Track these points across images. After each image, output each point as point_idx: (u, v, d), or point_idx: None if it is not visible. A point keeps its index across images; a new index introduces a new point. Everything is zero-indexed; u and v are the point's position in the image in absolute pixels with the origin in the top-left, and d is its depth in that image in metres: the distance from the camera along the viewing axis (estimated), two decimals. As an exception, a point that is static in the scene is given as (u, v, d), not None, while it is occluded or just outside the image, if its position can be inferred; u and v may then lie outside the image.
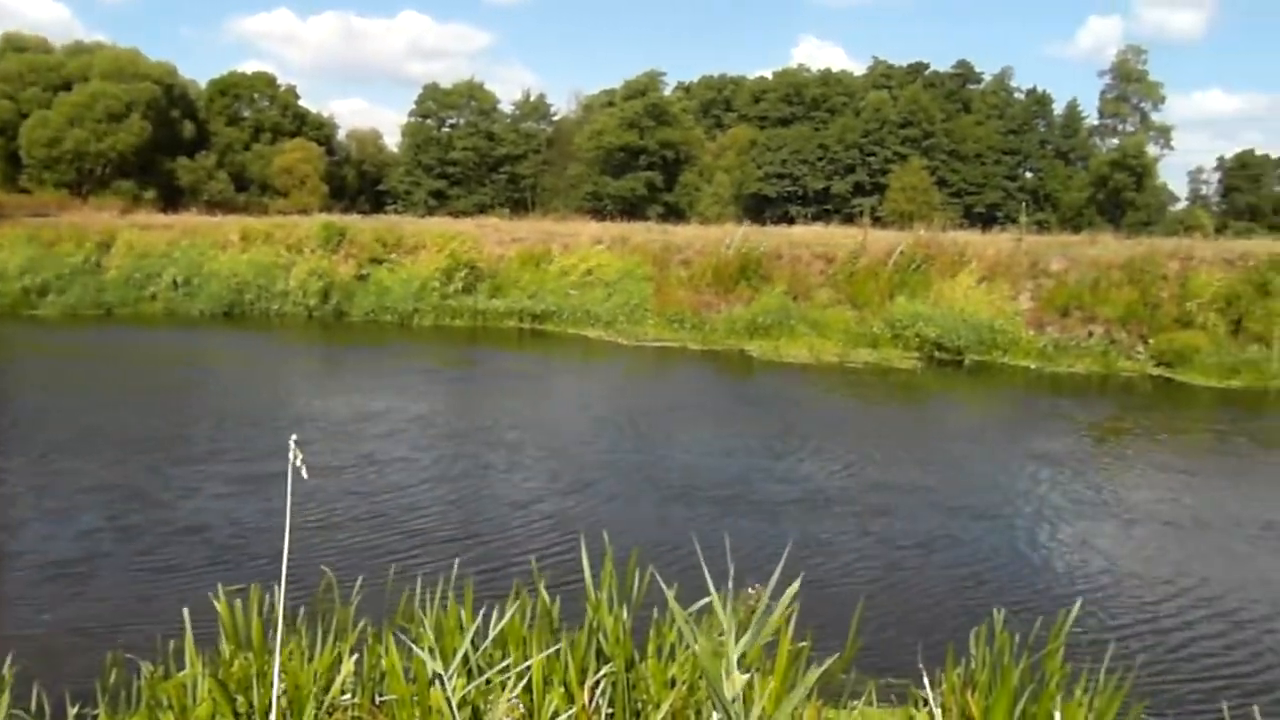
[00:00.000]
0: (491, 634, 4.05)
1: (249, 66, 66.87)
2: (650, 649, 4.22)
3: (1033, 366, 19.59)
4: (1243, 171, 65.81)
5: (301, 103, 63.42)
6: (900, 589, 7.28)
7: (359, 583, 4.78)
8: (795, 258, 25.11)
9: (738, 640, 2.67)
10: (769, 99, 70.64)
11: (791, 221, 46.60)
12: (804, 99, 69.25)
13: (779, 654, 3.61)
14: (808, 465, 11.10)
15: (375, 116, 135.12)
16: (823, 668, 4.32)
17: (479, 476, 10.16)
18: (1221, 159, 69.21)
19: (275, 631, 3.52)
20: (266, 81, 62.23)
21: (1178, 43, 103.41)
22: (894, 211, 50.24)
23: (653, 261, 25.73)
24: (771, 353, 20.17)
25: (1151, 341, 19.92)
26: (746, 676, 2.69)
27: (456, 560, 5.00)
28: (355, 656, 4.09)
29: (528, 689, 3.85)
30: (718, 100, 77.49)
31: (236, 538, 7.97)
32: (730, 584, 3.42)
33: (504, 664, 3.91)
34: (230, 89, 60.82)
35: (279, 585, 3.34)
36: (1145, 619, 6.86)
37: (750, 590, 3.85)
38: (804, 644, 4.40)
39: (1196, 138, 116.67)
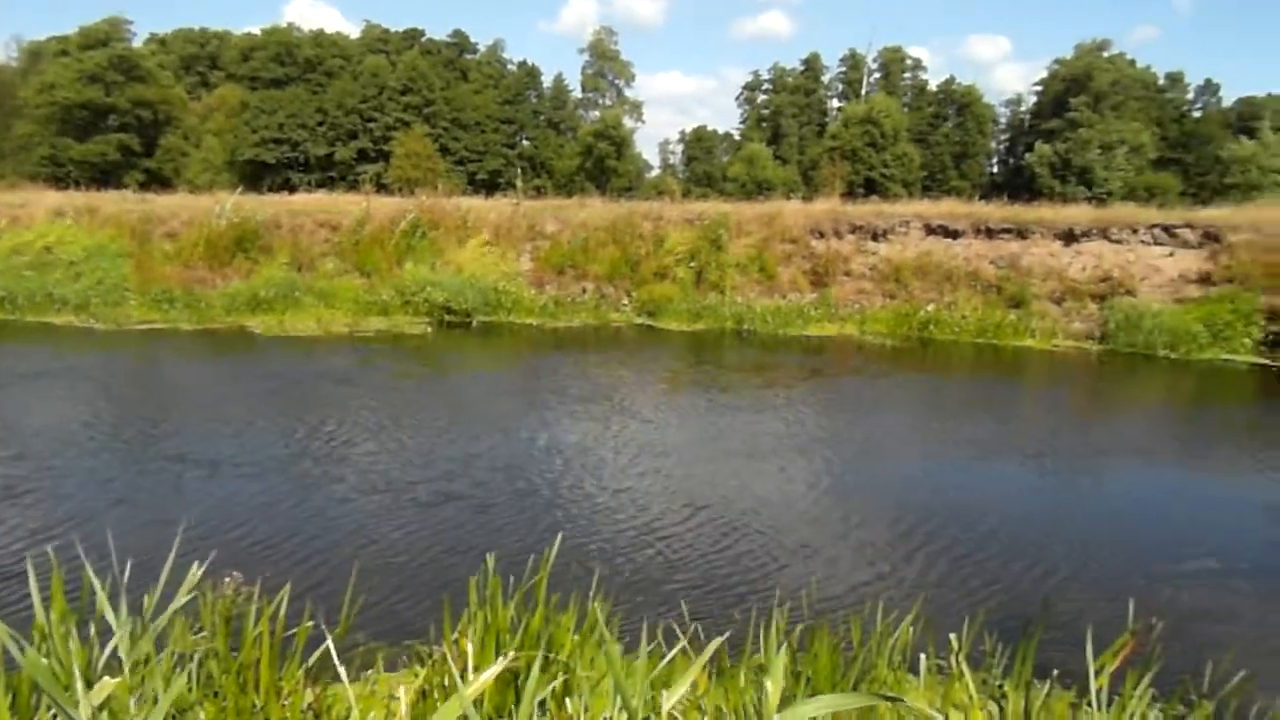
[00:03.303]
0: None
1: None
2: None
3: (536, 323, 20.92)
4: (699, 144, 76.20)
5: None
6: (403, 551, 7.32)
7: None
8: (297, 227, 23.95)
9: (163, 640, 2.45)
10: (259, 58, 66.12)
11: (294, 189, 44.41)
12: (297, 60, 65.94)
13: (263, 641, 3.42)
14: (307, 440, 10.68)
15: None
16: (322, 646, 4.23)
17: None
18: (683, 133, 79.43)
19: None
20: None
21: (643, 28, 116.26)
22: (400, 178, 50.07)
23: (130, 235, 22.86)
24: (276, 328, 19.08)
25: (635, 294, 22.31)
26: (116, 680, 2.49)
27: None
28: None
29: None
30: (200, 56, 70.83)
31: None
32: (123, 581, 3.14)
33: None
34: None
35: None
36: (625, 539, 7.71)
37: (227, 579, 3.59)
38: (306, 624, 4.24)
39: (663, 113, 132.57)
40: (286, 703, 3.66)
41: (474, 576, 4.61)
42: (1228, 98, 73.39)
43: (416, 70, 65.43)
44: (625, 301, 22.26)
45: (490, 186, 52.34)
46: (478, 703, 3.51)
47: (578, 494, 9.01)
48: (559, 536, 4.69)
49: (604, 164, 62.60)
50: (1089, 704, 4.13)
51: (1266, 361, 18.18)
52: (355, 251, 23.10)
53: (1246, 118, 67.27)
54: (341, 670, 3.55)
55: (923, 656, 4.97)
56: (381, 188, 39.59)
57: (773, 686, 1.99)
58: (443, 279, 21.27)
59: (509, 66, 73.89)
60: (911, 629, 4.97)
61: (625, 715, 2.13)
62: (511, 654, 2.86)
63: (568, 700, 3.18)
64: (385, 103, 64.27)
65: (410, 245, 23.15)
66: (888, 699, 1.97)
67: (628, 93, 76.24)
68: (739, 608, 6.17)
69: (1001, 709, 4.58)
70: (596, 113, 72.27)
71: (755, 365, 17.17)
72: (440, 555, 7.22)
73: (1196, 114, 71.84)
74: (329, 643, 3.56)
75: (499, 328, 20.54)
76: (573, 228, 24.02)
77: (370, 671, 4.94)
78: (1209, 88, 74.07)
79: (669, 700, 2.07)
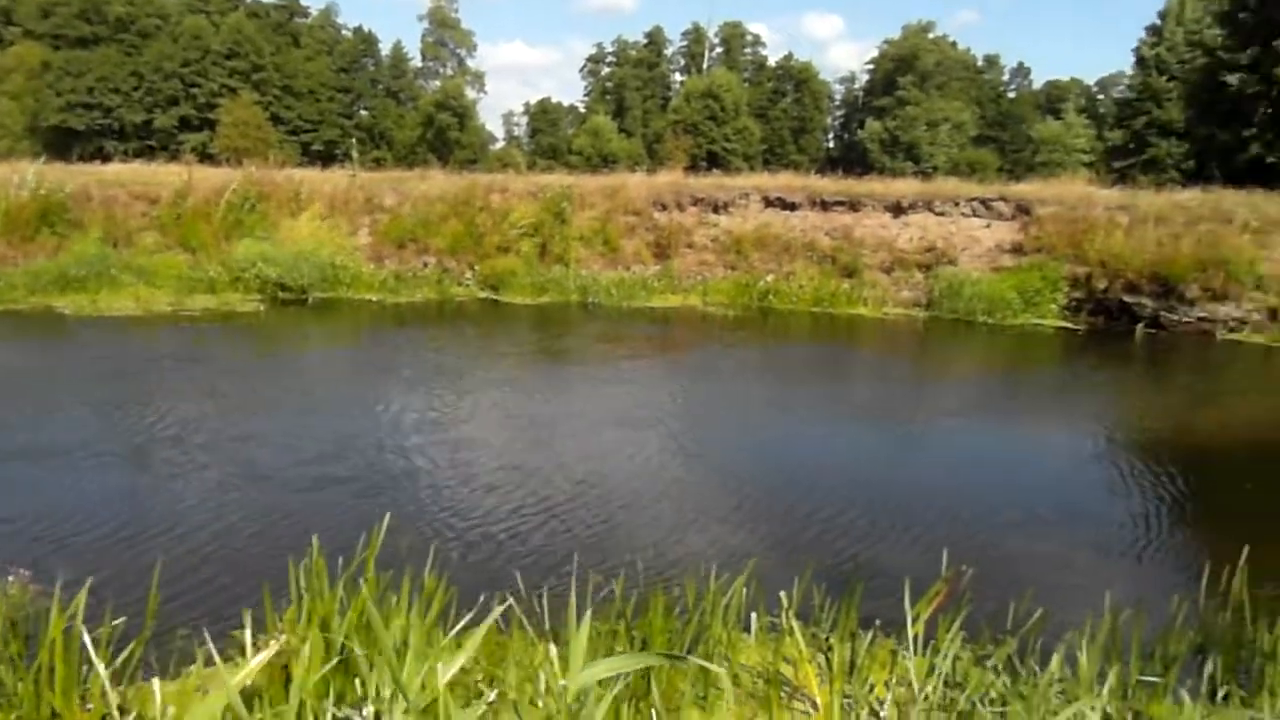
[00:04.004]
0: None
1: None
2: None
3: (375, 299, 20.27)
4: (544, 116, 75.54)
5: None
6: (221, 537, 6.96)
7: None
8: (110, 199, 22.28)
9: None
10: (61, 14, 60.97)
11: (108, 159, 41.40)
12: (107, 18, 61.18)
13: (57, 643, 3.18)
14: (114, 429, 10.00)
15: None
16: (131, 644, 3.99)
17: None
18: (527, 104, 78.55)
19: None
20: None
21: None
22: (228, 148, 47.41)
23: (-88, 207, 20.71)
24: (90, 308, 17.73)
25: (478, 268, 21.93)
26: None
27: None
28: None
29: None
30: (-8, 11, 64.62)
31: None
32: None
33: None
34: None
35: None
36: (465, 513, 7.62)
37: (10, 578, 3.32)
38: (115, 622, 3.98)
39: (508, 84, 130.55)
40: (90, 707, 3.43)
41: (300, 561, 4.44)
42: (1038, 80, 78.78)
43: (242, 33, 61.88)
44: (468, 275, 21.87)
45: (327, 158, 50.25)
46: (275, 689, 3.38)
47: (414, 470, 8.80)
48: (386, 516, 4.58)
49: (446, 135, 61.17)
50: (906, 649, 4.38)
51: (1070, 325, 19.68)
52: (177, 226, 21.70)
53: (1054, 99, 72.33)
54: (101, 669, 3.34)
55: (754, 615, 5.14)
56: (208, 158, 37.47)
57: (565, 650, 2.00)
58: (276, 254, 20.25)
59: (344, 32, 70.99)
60: (745, 589, 5.12)
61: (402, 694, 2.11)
62: (284, 639, 2.77)
63: (357, 680, 3.12)
64: (209, 67, 60.52)
65: (238, 219, 21.94)
66: (671, 658, 2.02)
67: (470, 63, 74.81)
68: (578, 576, 6.19)
69: (829, 660, 4.79)
70: (437, 83, 70.49)
71: (603, 337, 17.25)
72: (273, 541, 6.91)
73: (1011, 95, 76.66)
74: (132, 642, 3.35)
75: (337, 304, 19.80)
76: (413, 200, 23.36)
77: (191, 666, 4.69)
78: (1021, 70, 79.19)
79: (445, 674, 2.05)
